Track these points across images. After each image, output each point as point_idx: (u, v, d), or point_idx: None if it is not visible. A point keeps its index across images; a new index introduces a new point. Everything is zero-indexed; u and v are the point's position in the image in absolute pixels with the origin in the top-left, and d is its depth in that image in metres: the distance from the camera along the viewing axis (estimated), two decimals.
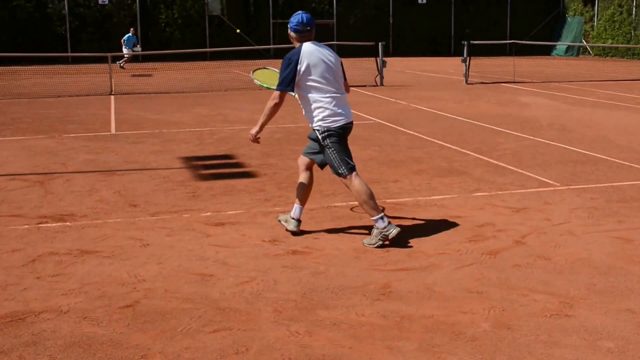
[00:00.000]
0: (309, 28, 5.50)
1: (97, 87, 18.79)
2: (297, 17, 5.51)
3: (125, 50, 25.81)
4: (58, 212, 6.51)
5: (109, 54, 19.20)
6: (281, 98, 5.46)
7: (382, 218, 5.38)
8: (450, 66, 27.88)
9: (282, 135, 10.81)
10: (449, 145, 9.95)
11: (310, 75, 5.39)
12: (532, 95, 17.06)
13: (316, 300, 4.38)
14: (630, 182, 7.61)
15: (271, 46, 30.68)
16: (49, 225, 6.09)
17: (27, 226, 6.05)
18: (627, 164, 8.60)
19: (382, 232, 5.36)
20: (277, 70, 5.81)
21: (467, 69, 20.18)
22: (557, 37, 38.20)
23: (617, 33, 34.67)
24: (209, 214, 6.44)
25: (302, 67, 5.37)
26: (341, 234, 5.79)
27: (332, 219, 6.23)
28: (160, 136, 10.99)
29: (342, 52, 31.29)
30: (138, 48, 26.69)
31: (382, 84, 19.64)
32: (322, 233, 5.81)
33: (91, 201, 6.91)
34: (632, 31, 33.78)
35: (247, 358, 3.62)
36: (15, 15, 31.48)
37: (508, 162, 8.70)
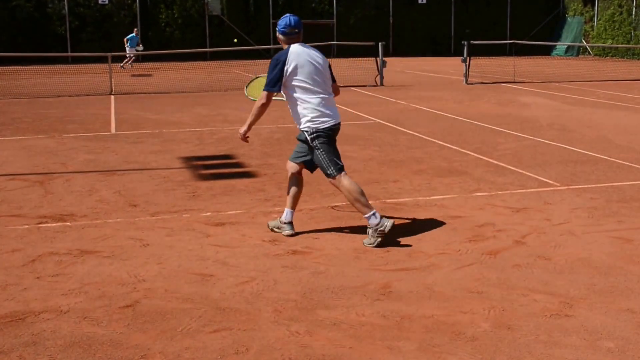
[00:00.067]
0: (297, 30, 5.56)
1: (97, 87, 18.79)
2: (285, 19, 5.58)
3: (128, 50, 25.79)
4: (58, 212, 6.51)
5: (109, 54, 19.19)
6: (268, 98, 5.53)
7: (374, 215, 5.40)
8: (450, 66, 27.88)
9: (282, 135, 10.81)
10: (449, 145, 9.96)
11: (297, 76, 5.44)
12: (532, 95, 17.07)
13: (316, 300, 4.38)
14: (630, 182, 7.61)
15: (271, 46, 30.66)
16: (49, 225, 6.09)
17: (27, 226, 6.05)
18: (627, 164, 8.60)
19: (377, 228, 5.37)
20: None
21: (467, 69, 20.18)
22: (557, 37, 38.21)
23: (617, 33, 34.67)
24: (209, 214, 6.44)
25: (289, 67, 5.42)
26: (341, 234, 5.79)
27: (332, 219, 6.23)
28: (160, 136, 10.99)
29: (342, 52, 31.38)
30: (141, 47, 26.69)
31: (382, 84, 19.64)
32: (322, 233, 5.81)
33: (91, 201, 6.91)
34: (632, 31, 33.79)
35: (247, 358, 3.62)
36: (15, 15, 31.50)
37: (508, 162, 8.70)
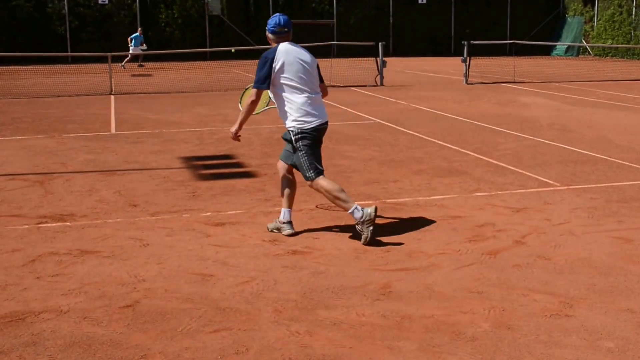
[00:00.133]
0: (286, 29, 5.62)
1: (97, 87, 18.79)
2: (275, 19, 5.65)
3: (132, 50, 25.77)
4: (58, 212, 6.51)
5: (108, 54, 19.19)
6: (257, 96, 5.58)
7: (356, 208, 5.42)
8: (450, 66, 27.88)
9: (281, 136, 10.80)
10: (449, 145, 9.96)
11: (284, 73, 5.49)
12: (532, 95, 17.07)
13: (316, 300, 4.38)
14: (630, 182, 7.61)
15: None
16: (49, 225, 6.09)
17: (27, 226, 6.05)
18: (627, 164, 8.60)
19: (363, 220, 5.38)
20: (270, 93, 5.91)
21: (467, 69, 20.18)
22: (557, 37, 38.21)
23: (617, 33, 34.68)
24: (209, 214, 6.44)
25: (277, 65, 5.47)
26: (341, 234, 5.79)
27: (332, 219, 6.23)
28: (160, 136, 10.99)
29: (342, 52, 31.37)
30: (144, 47, 26.67)
31: (382, 84, 19.63)
32: (322, 233, 5.81)
33: (91, 201, 6.91)
34: (632, 31, 33.79)
35: (247, 358, 3.62)
36: (15, 15, 31.49)
37: (508, 162, 8.70)
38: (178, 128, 11.83)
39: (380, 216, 6.32)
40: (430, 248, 5.41)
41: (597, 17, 36.37)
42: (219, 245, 5.51)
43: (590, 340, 3.79)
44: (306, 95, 5.53)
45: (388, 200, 6.89)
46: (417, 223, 6.11)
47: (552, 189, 7.34)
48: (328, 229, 5.93)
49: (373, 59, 20.82)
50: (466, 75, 20.27)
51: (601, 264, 5.02)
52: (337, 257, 5.22)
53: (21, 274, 4.87)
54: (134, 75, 23.77)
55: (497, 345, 3.74)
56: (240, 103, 6.37)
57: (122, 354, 3.66)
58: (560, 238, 5.64)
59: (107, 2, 32.88)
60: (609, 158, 8.94)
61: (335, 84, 19.15)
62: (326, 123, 5.67)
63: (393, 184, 7.62)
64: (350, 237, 5.68)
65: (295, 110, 5.51)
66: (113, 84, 18.02)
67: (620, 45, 33.54)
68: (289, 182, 5.79)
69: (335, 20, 36.15)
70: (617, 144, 9.98)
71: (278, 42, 5.60)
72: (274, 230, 5.81)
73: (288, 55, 5.51)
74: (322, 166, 5.62)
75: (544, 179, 7.75)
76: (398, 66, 27.20)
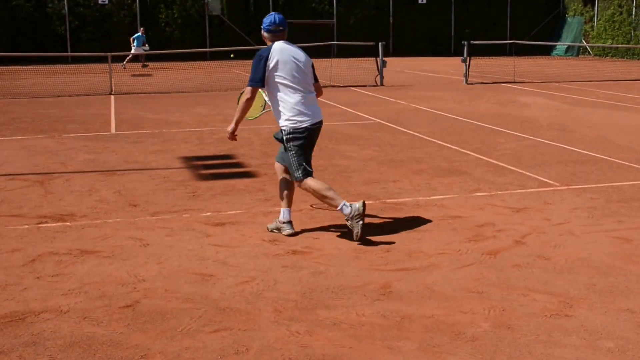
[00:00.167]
0: (281, 28, 5.64)
1: (97, 87, 18.79)
2: (270, 17, 5.67)
3: (134, 49, 25.75)
4: (58, 212, 6.51)
5: (108, 54, 19.19)
6: (253, 94, 5.59)
7: (345, 205, 5.44)
8: (450, 66, 27.88)
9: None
10: (449, 145, 9.96)
11: (278, 72, 5.50)
12: (532, 95, 17.07)
13: (316, 300, 4.38)
14: (630, 182, 7.61)
15: None
16: (49, 225, 6.09)
17: (27, 226, 6.05)
18: (627, 164, 8.60)
19: (352, 215, 5.39)
20: (264, 94, 5.92)
21: (467, 69, 20.18)
22: (557, 37, 38.21)
23: (617, 33, 34.68)
24: (209, 214, 6.44)
25: (271, 63, 5.49)
26: (341, 234, 5.79)
27: (332, 219, 6.23)
28: (160, 136, 10.99)
29: (342, 52, 31.36)
30: (146, 47, 26.67)
31: (382, 84, 19.63)
32: (322, 233, 5.81)
33: (91, 201, 6.91)
34: (632, 31, 33.79)
35: (247, 358, 3.62)
36: (15, 15, 31.50)
37: (508, 162, 8.70)
38: (178, 128, 11.83)
39: (380, 216, 6.33)
40: (430, 248, 5.41)
41: (597, 17, 36.38)
42: (219, 245, 5.51)
43: (590, 340, 3.79)
44: (300, 94, 5.54)
45: (388, 200, 6.89)
46: (417, 223, 6.11)
47: (552, 189, 7.34)
48: (328, 228, 5.94)
49: (373, 59, 20.82)
50: (466, 75, 20.27)
51: (601, 264, 5.02)
52: (337, 257, 5.22)
53: (21, 274, 4.87)
54: (134, 75, 23.77)
55: (497, 345, 3.74)
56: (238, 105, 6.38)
57: (122, 354, 3.66)
58: (560, 238, 5.64)
59: (107, 2, 32.88)
60: (608, 158, 8.94)
61: (335, 84, 19.16)
62: (320, 122, 5.67)
63: (393, 184, 7.62)
64: (350, 237, 5.68)
65: (289, 109, 5.52)
66: (113, 84, 18.02)
67: (620, 45, 33.54)
68: (287, 183, 5.79)
69: (335, 20, 36.15)
70: (617, 144, 9.98)
71: (273, 41, 5.62)
72: (274, 230, 5.81)
73: (282, 53, 5.52)
74: (311, 167, 5.64)
75: (543, 179, 7.75)
76: (398, 66, 27.20)
